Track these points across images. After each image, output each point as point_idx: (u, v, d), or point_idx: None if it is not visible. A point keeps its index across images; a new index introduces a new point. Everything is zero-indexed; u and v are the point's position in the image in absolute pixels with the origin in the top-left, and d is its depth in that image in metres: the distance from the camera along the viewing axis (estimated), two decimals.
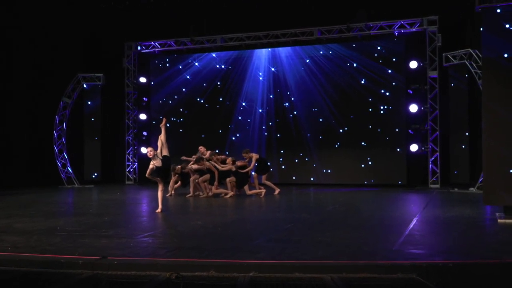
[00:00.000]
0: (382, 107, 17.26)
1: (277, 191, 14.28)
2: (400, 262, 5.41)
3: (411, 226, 7.95)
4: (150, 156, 10.37)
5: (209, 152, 14.25)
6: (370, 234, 7.29)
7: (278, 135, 18.43)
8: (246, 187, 13.94)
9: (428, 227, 7.97)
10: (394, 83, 17.16)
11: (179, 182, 14.61)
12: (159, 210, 10.37)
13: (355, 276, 5.22)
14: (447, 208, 10.69)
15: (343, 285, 4.96)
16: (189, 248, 6.43)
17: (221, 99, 19.08)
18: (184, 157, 14.21)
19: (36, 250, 6.40)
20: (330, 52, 17.88)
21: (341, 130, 17.69)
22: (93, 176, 19.44)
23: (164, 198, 10.94)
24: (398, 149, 17.05)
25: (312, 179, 18.01)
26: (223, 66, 19.08)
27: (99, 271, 5.64)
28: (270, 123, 18.53)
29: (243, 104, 18.82)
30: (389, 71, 17.16)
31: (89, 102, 19.62)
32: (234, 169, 13.66)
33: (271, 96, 18.55)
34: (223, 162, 13.88)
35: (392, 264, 5.38)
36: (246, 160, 14.08)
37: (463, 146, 16.00)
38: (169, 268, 5.57)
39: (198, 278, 5.36)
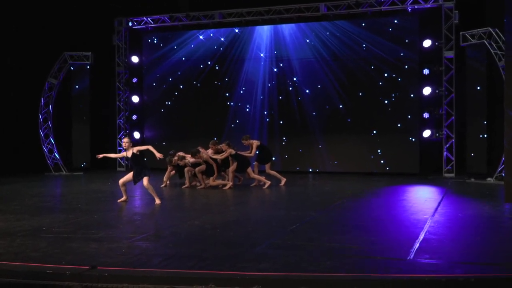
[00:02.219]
0: (393, 89, 17.07)
1: (283, 181, 14.14)
2: (416, 276, 5.30)
3: (426, 228, 7.83)
4: (125, 147, 10.92)
5: (209, 151, 14.04)
6: (382, 239, 7.17)
7: (281, 122, 18.26)
8: (249, 170, 13.77)
9: (445, 230, 7.85)
10: (406, 64, 16.95)
11: (173, 171, 14.51)
12: (158, 202, 10.77)
13: None
14: (464, 204, 10.58)
15: None
16: (186, 256, 6.31)
17: (219, 80, 18.87)
18: (181, 153, 14.02)
19: (19, 258, 6.29)
20: (338, 30, 17.61)
21: (349, 115, 17.51)
22: (82, 165, 19.29)
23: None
24: (410, 135, 16.90)
25: (318, 169, 17.89)
26: (221, 45, 18.81)
27: (88, 283, 5.54)
28: (272, 108, 18.35)
29: (243, 87, 18.62)
30: (401, 50, 16.92)
31: (76, 83, 19.41)
32: (233, 152, 13.49)
33: (273, 75, 18.33)
34: (220, 152, 13.73)
35: (408, 278, 5.26)
36: (249, 152, 13.96)
37: (481, 133, 15.83)
38: (165, 281, 5.47)
39: None
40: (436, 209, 9.77)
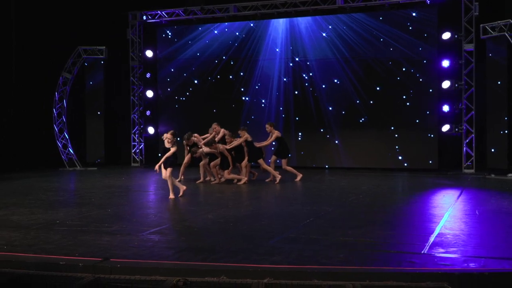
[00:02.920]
0: (411, 84, 17.01)
1: (299, 176, 14.18)
2: (429, 269, 5.34)
3: (443, 223, 7.85)
4: (170, 144, 11.10)
5: (222, 130, 14.16)
6: (397, 233, 7.22)
7: (297, 118, 18.29)
8: (261, 161, 13.85)
9: (461, 225, 7.87)
10: (425, 58, 16.87)
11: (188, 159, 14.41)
12: (172, 196, 10.91)
13: (379, 285, 5.17)
14: (483, 199, 10.56)
15: None
16: (198, 249, 6.42)
17: (234, 75, 18.95)
18: (196, 136, 14.00)
19: (33, 249, 6.45)
20: (355, 23, 17.59)
21: (366, 110, 17.49)
22: (97, 161, 19.52)
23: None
24: (428, 130, 16.84)
25: (334, 165, 17.88)
26: (236, 39, 18.90)
27: (100, 274, 5.65)
28: (288, 104, 18.38)
29: (258, 82, 18.67)
30: (420, 44, 16.85)
31: (90, 78, 19.64)
32: (250, 139, 13.59)
33: (289, 70, 18.36)
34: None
35: (421, 271, 5.31)
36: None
37: (501, 128, 15.74)
38: (176, 273, 5.57)
39: (207, 285, 5.34)
40: (454, 204, 9.77)
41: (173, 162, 11.09)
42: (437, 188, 12.80)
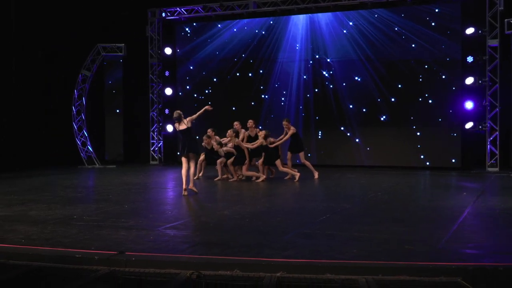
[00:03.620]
0: (434, 81, 16.98)
1: (316, 174, 14.29)
2: (443, 264, 5.40)
3: (461, 220, 7.89)
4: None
5: (258, 131, 14.34)
6: (414, 229, 7.28)
7: (317, 116, 18.35)
8: (278, 162, 13.95)
9: (480, 222, 7.90)
10: (448, 54, 16.82)
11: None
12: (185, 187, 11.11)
13: (392, 279, 5.25)
14: (505, 197, 10.55)
15: None
16: (213, 243, 6.55)
17: (253, 73, 19.08)
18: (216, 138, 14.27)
19: (50, 243, 6.63)
20: (375, 17, 17.60)
21: (387, 108, 17.50)
22: (117, 157, 19.80)
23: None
24: (452, 128, 16.79)
25: (355, 163, 17.92)
26: (255, 35, 19.02)
27: (115, 267, 5.81)
28: (308, 102, 18.45)
29: (278, 80, 18.77)
30: (443, 40, 16.81)
31: (109, 75, 19.94)
32: (265, 143, 13.72)
33: (309, 67, 18.43)
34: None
35: (435, 265, 5.38)
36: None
37: None
38: (191, 266, 5.71)
39: (221, 278, 5.47)
40: (474, 202, 9.78)
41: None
42: (458, 186, 12.79)
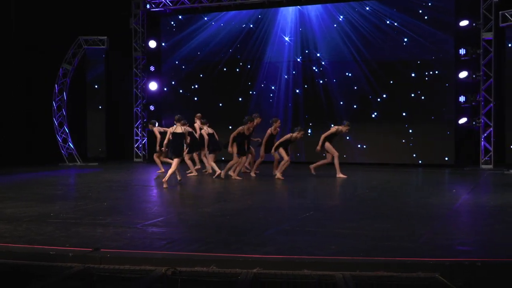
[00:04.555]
0: (426, 74, 17.17)
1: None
2: (421, 259, 5.57)
3: (446, 216, 8.07)
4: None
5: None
6: (397, 226, 7.44)
7: (306, 113, 18.51)
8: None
9: (465, 219, 8.10)
10: (441, 47, 17.01)
11: None
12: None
13: (369, 274, 5.40)
14: (495, 194, 10.75)
15: (355, 284, 5.16)
16: (190, 240, 6.70)
17: (240, 68, 19.21)
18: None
19: (23, 241, 6.74)
20: (367, 9, 17.77)
21: (379, 103, 17.68)
22: (99, 153, 19.88)
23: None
24: (445, 124, 16.99)
25: (345, 158, 18.05)
26: (243, 28, 19.15)
27: (90, 264, 5.95)
28: (297, 97, 18.62)
29: (266, 74, 18.92)
30: (436, 32, 17.00)
31: (91, 69, 19.98)
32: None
33: (298, 61, 18.58)
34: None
35: (412, 261, 5.54)
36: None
37: None
38: (166, 263, 5.84)
39: (197, 274, 5.61)
40: (464, 198, 9.97)
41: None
42: (449, 184, 12.98)
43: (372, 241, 6.50)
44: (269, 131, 14.22)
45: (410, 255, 5.80)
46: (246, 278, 5.43)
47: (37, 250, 6.32)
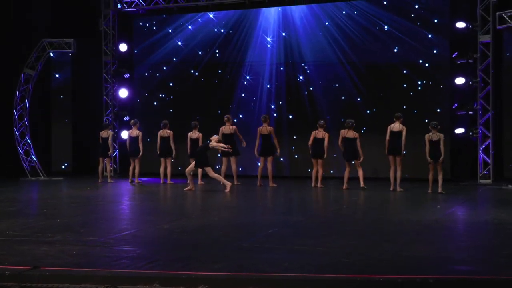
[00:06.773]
0: (419, 81, 17.46)
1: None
2: (371, 276, 5.90)
3: (417, 232, 8.41)
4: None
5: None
6: (361, 242, 7.78)
7: (290, 117, 18.85)
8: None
9: (437, 235, 8.43)
10: (435, 50, 17.33)
11: None
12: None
13: None
14: (481, 210, 11.14)
15: None
16: (139, 258, 7.01)
17: (220, 71, 19.53)
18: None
19: None
20: (355, 12, 18.10)
21: (368, 111, 17.96)
22: (63, 167, 20.12)
23: None
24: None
25: (331, 171, 18.37)
26: (222, 30, 19.48)
27: (27, 283, 6.25)
28: (280, 102, 18.94)
29: (247, 77, 19.24)
30: (429, 35, 17.34)
31: (57, 75, 20.23)
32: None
33: (281, 68, 18.92)
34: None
35: (362, 278, 5.87)
36: None
37: None
38: (108, 281, 6.16)
39: None
40: (445, 215, 10.31)
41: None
42: (435, 199, 13.20)
43: (329, 258, 6.83)
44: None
45: (364, 272, 6.13)
46: None
47: None
